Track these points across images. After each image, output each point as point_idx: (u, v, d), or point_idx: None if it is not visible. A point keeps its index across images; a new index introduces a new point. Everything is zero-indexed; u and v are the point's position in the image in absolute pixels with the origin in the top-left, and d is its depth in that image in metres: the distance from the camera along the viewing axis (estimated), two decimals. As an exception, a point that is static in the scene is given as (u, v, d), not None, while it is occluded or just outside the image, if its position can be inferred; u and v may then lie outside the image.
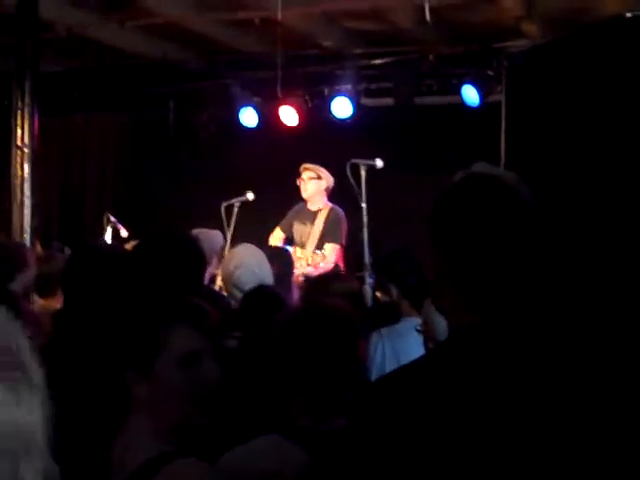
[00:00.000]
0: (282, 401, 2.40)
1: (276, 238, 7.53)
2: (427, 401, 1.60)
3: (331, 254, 7.13)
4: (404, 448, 1.57)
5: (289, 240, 7.45)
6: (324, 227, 7.35)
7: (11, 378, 0.94)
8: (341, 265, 7.20)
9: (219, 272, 6.83)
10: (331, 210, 7.44)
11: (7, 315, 1.02)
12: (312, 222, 7.41)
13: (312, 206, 7.49)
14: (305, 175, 7.47)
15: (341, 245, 7.25)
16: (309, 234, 7.37)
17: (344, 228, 7.35)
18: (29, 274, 4.43)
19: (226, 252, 7.01)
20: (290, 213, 7.58)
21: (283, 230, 7.50)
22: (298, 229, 7.46)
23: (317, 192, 7.46)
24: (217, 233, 5.32)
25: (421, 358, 2.56)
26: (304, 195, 7.47)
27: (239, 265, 4.56)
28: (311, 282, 4.63)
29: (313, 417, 2.36)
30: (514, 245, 1.67)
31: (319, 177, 7.44)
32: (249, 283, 4.29)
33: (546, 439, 1.58)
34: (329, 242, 7.18)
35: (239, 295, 4.37)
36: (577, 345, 1.71)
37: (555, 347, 1.69)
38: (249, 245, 5.80)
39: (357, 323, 2.58)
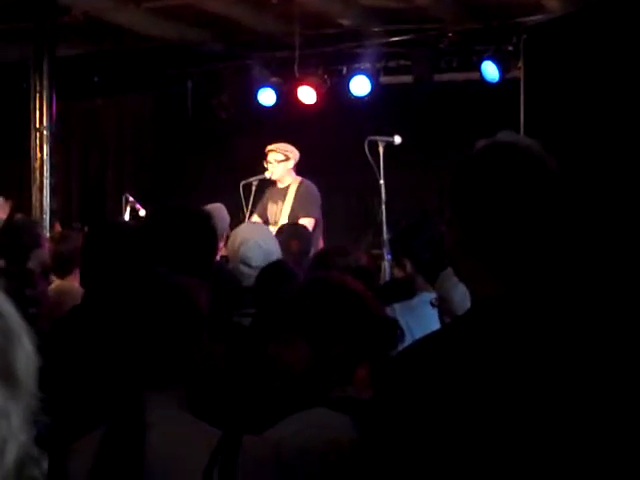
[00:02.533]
0: (315, 375, 2.38)
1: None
2: (453, 372, 1.58)
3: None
4: (430, 419, 1.56)
5: (265, 223, 7.39)
6: (294, 201, 7.24)
7: None
8: (320, 240, 7.09)
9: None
10: (301, 184, 7.34)
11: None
12: (283, 200, 7.32)
13: (281, 184, 7.39)
14: (271, 157, 7.36)
15: (316, 218, 7.10)
16: (281, 211, 7.29)
17: (317, 201, 7.24)
18: (43, 252, 4.46)
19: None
20: (264, 196, 7.49)
21: (259, 215, 7.41)
22: (271, 209, 7.37)
23: (285, 172, 7.37)
24: (220, 207, 5.28)
25: (444, 328, 2.54)
26: (273, 177, 7.37)
27: (244, 241, 4.55)
28: (315, 256, 4.62)
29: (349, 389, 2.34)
30: (537, 214, 1.63)
31: (287, 158, 7.35)
32: (255, 257, 4.29)
33: (575, 412, 1.56)
34: (303, 217, 7.02)
35: (247, 271, 4.36)
36: (602, 317, 1.68)
37: (580, 318, 1.66)
38: (253, 222, 5.83)
39: (362, 294, 2.56)
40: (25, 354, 1.00)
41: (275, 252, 4.43)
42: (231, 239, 4.81)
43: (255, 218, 7.45)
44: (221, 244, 5.22)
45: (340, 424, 2.22)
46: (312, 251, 5.37)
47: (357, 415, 2.19)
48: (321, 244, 7.15)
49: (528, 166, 1.64)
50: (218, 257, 5.19)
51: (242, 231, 4.79)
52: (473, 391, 1.56)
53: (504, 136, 1.73)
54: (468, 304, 2.85)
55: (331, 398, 2.31)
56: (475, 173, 1.68)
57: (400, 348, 4.01)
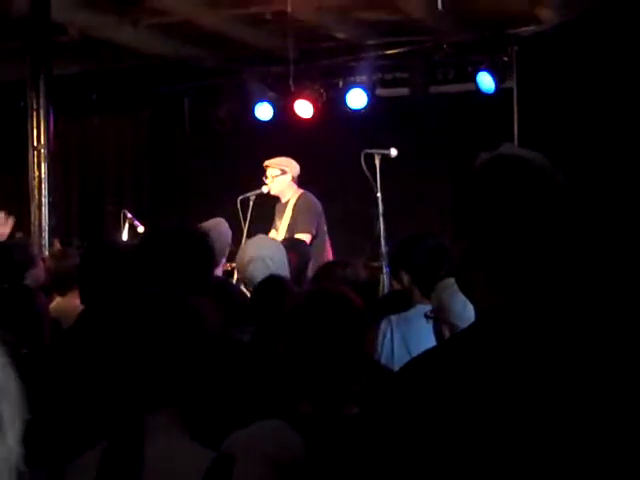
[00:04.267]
0: (288, 388, 2.41)
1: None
2: (461, 386, 1.56)
3: None
4: (430, 437, 1.54)
5: None
6: (292, 217, 7.23)
7: None
8: (328, 251, 7.10)
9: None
10: (299, 197, 7.32)
11: None
12: (283, 214, 7.32)
13: (283, 199, 7.40)
14: (268, 173, 7.36)
15: (312, 233, 7.06)
16: (280, 227, 7.29)
17: (315, 214, 7.21)
18: (39, 271, 4.49)
19: (243, 244, 7.04)
20: (275, 211, 7.50)
21: (275, 228, 7.46)
22: (276, 225, 7.38)
23: (285, 186, 7.36)
24: (221, 221, 5.27)
25: (449, 341, 2.53)
26: (271, 192, 7.37)
27: (252, 259, 4.50)
28: (316, 270, 4.61)
29: (318, 405, 2.37)
30: (543, 226, 1.63)
31: (283, 172, 7.34)
32: (262, 277, 4.27)
33: (585, 428, 1.54)
34: (299, 232, 7.00)
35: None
36: (610, 327, 1.66)
37: (588, 330, 1.64)
38: (264, 237, 5.79)
39: (365, 312, 2.58)
40: (13, 405, 1.01)
41: (282, 271, 4.35)
42: (240, 254, 4.79)
43: (273, 232, 7.43)
44: (223, 259, 5.22)
45: (289, 439, 2.23)
46: (311, 263, 5.38)
47: (309, 433, 2.20)
48: (329, 255, 7.15)
49: (532, 178, 1.64)
50: (220, 272, 5.21)
51: (251, 246, 4.73)
52: (480, 406, 1.54)
53: (507, 148, 1.72)
54: (467, 314, 2.86)
55: (291, 412, 2.33)
56: (479, 185, 1.68)
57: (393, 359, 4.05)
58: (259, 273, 4.31)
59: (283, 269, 4.48)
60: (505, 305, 1.62)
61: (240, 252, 4.82)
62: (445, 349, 1.75)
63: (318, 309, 2.46)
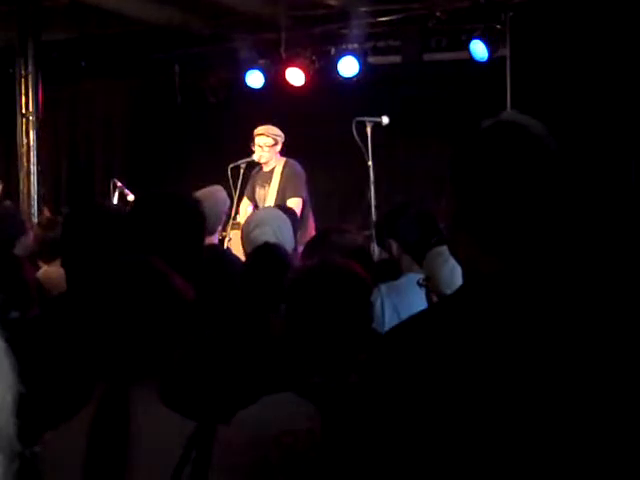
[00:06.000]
0: (295, 360, 2.40)
1: (245, 207, 7.44)
2: (440, 352, 1.58)
3: (297, 209, 6.91)
4: (417, 400, 1.55)
5: (255, 207, 7.36)
6: (281, 183, 7.23)
7: None
8: (310, 219, 7.09)
9: (228, 233, 6.84)
10: (285, 164, 7.33)
11: None
12: (269, 182, 7.32)
13: (267, 167, 7.40)
14: (261, 141, 7.34)
15: (302, 198, 7.09)
16: (268, 193, 7.28)
17: (302, 180, 7.23)
18: (28, 239, 4.46)
19: (233, 212, 7.01)
20: (251, 179, 7.49)
21: (249, 198, 7.41)
22: (259, 193, 7.38)
23: (272, 155, 7.38)
24: (218, 189, 5.21)
25: (432, 307, 2.56)
26: (261, 161, 7.37)
27: (259, 224, 4.42)
28: (313, 236, 4.57)
29: (326, 375, 2.37)
30: (535, 193, 1.63)
31: (276, 142, 7.34)
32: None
33: (563, 393, 1.54)
34: (291, 197, 7.02)
35: None
36: (597, 298, 1.66)
37: (574, 299, 1.64)
38: (272, 208, 5.75)
39: (370, 284, 2.59)
40: (4, 382, 0.97)
41: (288, 245, 4.22)
42: (247, 220, 4.75)
43: (245, 201, 7.43)
44: (219, 227, 5.19)
45: (301, 411, 2.24)
46: (303, 231, 5.34)
47: (322, 403, 2.21)
48: (311, 222, 7.15)
49: (526, 144, 1.65)
50: (216, 239, 5.17)
51: (259, 215, 4.65)
52: (459, 373, 1.55)
53: (507, 115, 1.74)
54: (455, 282, 2.86)
55: (302, 384, 2.33)
56: (473, 149, 1.69)
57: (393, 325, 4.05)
58: (264, 238, 4.21)
59: (289, 241, 4.38)
60: (491, 273, 1.63)
61: (246, 220, 4.78)
62: (428, 314, 1.77)
63: (325, 282, 2.46)
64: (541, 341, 1.57)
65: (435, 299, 3.62)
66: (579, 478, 1.53)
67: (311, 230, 6.85)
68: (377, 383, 1.62)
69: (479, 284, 1.65)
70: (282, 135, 7.39)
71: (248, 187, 7.40)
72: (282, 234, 4.38)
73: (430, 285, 3.65)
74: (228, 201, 5.29)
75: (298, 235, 5.17)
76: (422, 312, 1.78)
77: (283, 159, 7.40)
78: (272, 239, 4.12)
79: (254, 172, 7.49)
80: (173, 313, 2.18)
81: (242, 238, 4.62)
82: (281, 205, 6.53)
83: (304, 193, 7.16)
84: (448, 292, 3.38)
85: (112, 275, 2.25)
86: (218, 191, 5.15)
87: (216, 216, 4.78)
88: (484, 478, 1.53)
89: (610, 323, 1.63)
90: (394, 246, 4.29)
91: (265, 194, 7.32)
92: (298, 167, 7.32)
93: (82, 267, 3.08)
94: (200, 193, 4.68)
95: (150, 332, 2.14)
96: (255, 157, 7.35)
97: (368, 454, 1.59)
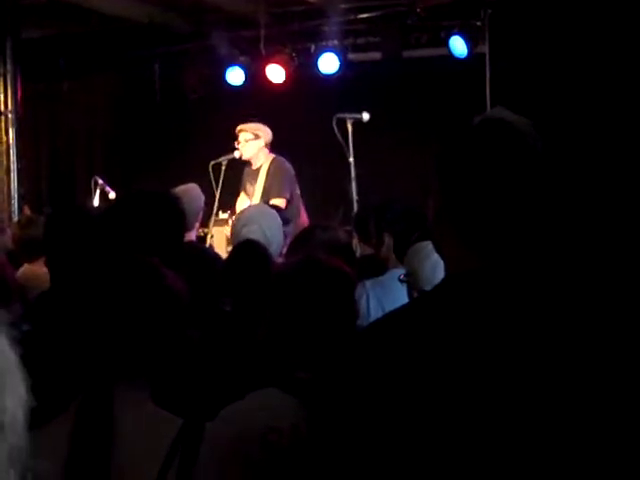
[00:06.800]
0: (280, 356, 2.41)
1: (242, 202, 7.45)
2: (417, 348, 1.58)
3: None
4: (395, 394, 1.56)
5: None
6: (266, 182, 7.23)
7: None
8: (303, 215, 7.11)
9: (210, 229, 6.84)
10: (272, 162, 7.32)
11: None
12: (256, 180, 7.32)
13: (255, 165, 7.40)
14: (242, 137, 7.35)
15: (286, 198, 7.08)
16: (255, 191, 7.29)
17: (288, 179, 7.22)
18: (6, 238, 4.43)
19: (215, 209, 7.02)
20: (243, 175, 7.49)
21: (246, 194, 7.45)
22: (248, 190, 7.39)
23: (257, 151, 7.36)
24: (193, 186, 5.22)
25: (410, 303, 2.57)
26: (243, 157, 7.36)
27: (248, 223, 4.39)
28: (297, 233, 4.55)
29: (310, 370, 2.37)
30: (519, 191, 1.65)
31: (256, 137, 7.33)
32: None
33: (543, 390, 1.55)
34: (274, 197, 7.01)
35: None
36: (577, 297, 1.67)
37: (553, 297, 1.65)
38: (262, 205, 5.73)
39: (354, 279, 2.60)
40: (16, 396, 0.96)
41: (276, 243, 4.25)
42: (236, 218, 4.73)
43: (242, 197, 7.42)
44: (197, 224, 5.20)
45: (286, 406, 2.25)
46: (291, 227, 5.34)
47: (307, 398, 2.21)
48: (304, 218, 7.15)
49: (511, 141, 1.66)
50: (194, 236, 5.18)
51: (248, 214, 4.62)
52: (436, 367, 1.56)
53: (494, 112, 1.77)
54: (437, 278, 2.87)
55: (287, 379, 2.34)
56: (460, 145, 1.71)
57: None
58: (252, 236, 4.19)
59: (278, 241, 4.35)
60: (471, 270, 1.64)
61: (235, 218, 4.77)
62: (405, 310, 1.78)
63: (309, 278, 2.46)
64: (518, 337, 1.58)
65: (416, 295, 3.63)
66: (554, 471, 1.55)
67: (303, 226, 6.85)
68: (353, 378, 1.63)
69: (458, 280, 1.66)
70: (266, 131, 7.37)
71: (242, 183, 7.45)
72: (271, 232, 4.37)
73: (411, 281, 3.67)
74: (203, 197, 5.31)
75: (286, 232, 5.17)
76: (400, 308, 1.79)
77: (272, 156, 7.38)
78: (261, 237, 4.11)
79: (245, 168, 7.50)
80: (167, 313, 2.18)
81: (231, 235, 4.63)
82: (267, 204, 6.54)
83: (288, 194, 7.13)
84: (429, 288, 3.40)
85: (110, 274, 2.24)
86: (193, 188, 5.18)
87: (193, 213, 4.80)
88: (461, 469, 1.55)
89: (589, 320, 1.63)
90: (388, 240, 4.29)
91: (252, 192, 7.34)
92: (285, 165, 7.30)
93: (67, 266, 3.09)
94: (176, 191, 4.67)
95: (143, 331, 2.14)
96: (236, 154, 7.34)
97: (348, 448, 1.59)
